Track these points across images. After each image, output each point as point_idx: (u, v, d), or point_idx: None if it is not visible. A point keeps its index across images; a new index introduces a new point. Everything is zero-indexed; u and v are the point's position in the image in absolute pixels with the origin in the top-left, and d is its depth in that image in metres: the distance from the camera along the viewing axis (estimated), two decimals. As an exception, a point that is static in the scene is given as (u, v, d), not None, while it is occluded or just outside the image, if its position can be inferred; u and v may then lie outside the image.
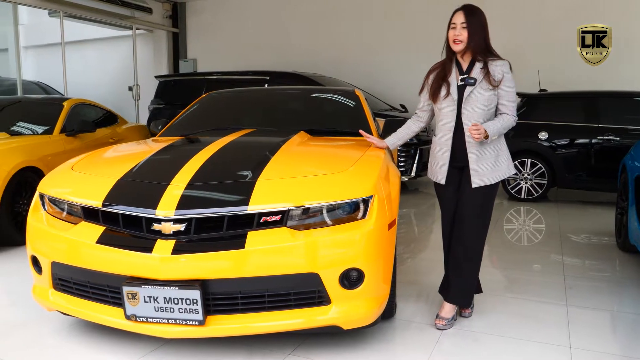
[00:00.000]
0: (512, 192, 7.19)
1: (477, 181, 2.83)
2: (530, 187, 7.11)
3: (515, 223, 6.06)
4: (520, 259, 4.45)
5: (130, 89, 11.54)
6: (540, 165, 7.00)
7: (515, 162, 7.06)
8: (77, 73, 12.49)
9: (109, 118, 7.07)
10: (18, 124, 5.85)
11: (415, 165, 7.33)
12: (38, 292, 2.72)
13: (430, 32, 9.50)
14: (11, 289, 3.67)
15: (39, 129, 5.72)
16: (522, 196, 7.15)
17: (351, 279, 2.41)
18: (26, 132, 5.66)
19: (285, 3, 11.05)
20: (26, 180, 4.88)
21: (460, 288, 2.96)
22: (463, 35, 2.78)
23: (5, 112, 6.21)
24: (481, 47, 2.80)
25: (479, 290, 3.16)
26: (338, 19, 10.59)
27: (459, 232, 2.91)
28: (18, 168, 4.74)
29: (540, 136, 6.96)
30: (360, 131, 3.39)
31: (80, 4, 9.44)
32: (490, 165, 2.84)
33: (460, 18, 2.79)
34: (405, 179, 7.34)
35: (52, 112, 5.97)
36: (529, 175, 7.09)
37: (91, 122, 6.15)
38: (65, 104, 6.14)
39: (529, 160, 7.04)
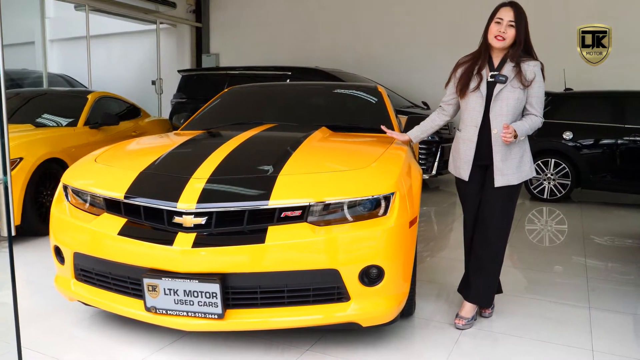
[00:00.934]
0: (535, 192, 7.08)
1: (500, 180, 2.78)
2: (553, 187, 7.00)
3: (538, 223, 5.97)
4: (542, 260, 4.38)
5: (153, 82, 11.64)
6: (564, 165, 6.88)
7: (539, 162, 6.95)
8: (102, 66, 12.66)
9: (132, 111, 7.14)
10: (43, 116, 5.94)
11: (436, 163, 7.26)
12: (60, 282, 2.76)
13: (455, 29, 9.46)
14: (33, 279, 3.73)
15: (64, 121, 5.81)
16: (545, 196, 7.04)
17: (371, 276, 2.40)
18: (51, 124, 5.75)
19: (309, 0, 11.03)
20: (50, 171, 4.96)
21: (481, 288, 2.92)
22: (509, 33, 2.71)
23: (31, 104, 6.32)
24: (521, 48, 2.74)
25: (500, 291, 3.12)
26: (361, 15, 10.53)
27: (481, 232, 2.87)
28: (42, 159, 4.82)
29: (564, 136, 6.84)
30: (382, 127, 3.36)
31: (105, -2, 9.55)
32: (514, 166, 2.79)
33: (509, 15, 2.71)
34: (426, 177, 7.28)
35: (77, 104, 6.06)
36: (552, 175, 6.97)
37: (114, 115, 6.22)
38: (89, 96, 6.22)
39: (553, 160, 6.93)
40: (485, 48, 2.82)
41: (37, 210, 4.76)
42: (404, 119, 4.66)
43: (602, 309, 3.27)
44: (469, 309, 2.93)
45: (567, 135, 6.83)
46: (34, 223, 4.71)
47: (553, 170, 6.95)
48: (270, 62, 10.08)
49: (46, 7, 13.27)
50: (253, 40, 11.62)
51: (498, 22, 2.74)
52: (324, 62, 9.74)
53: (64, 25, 13.41)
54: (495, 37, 2.74)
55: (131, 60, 13.13)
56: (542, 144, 6.84)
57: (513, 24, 2.71)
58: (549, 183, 7.00)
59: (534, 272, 4.09)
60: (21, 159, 4.62)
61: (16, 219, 4.59)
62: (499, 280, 3.04)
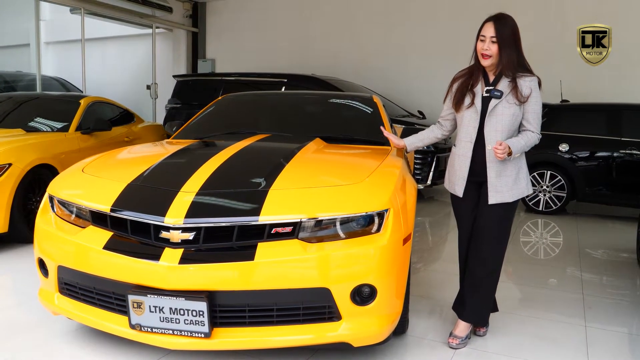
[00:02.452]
0: (530, 204, 7.04)
1: (494, 198, 2.73)
2: (548, 199, 6.96)
3: (533, 236, 5.92)
4: (538, 274, 4.32)
5: (148, 87, 11.57)
6: (559, 177, 6.84)
7: (535, 174, 6.92)
8: (97, 70, 12.59)
9: (125, 116, 7.07)
10: (35, 120, 5.86)
11: (431, 173, 7.22)
12: (44, 296, 2.68)
13: (451, 38, 9.44)
14: (20, 288, 3.65)
15: (55, 126, 5.73)
16: (540, 208, 6.99)
17: (363, 295, 2.33)
18: (42, 129, 5.67)
19: (306, 6, 10.99)
20: (40, 177, 4.87)
21: (476, 306, 2.86)
22: (492, 49, 2.64)
23: (23, 108, 6.23)
24: (512, 62, 2.66)
25: (495, 309, 3.05)
26: (358, 22, 10.51)
27: (476, 249, 2.81)
28: (32, 165, 4.74)
29: (560, 148, 6.80)
30: (381, 128, 3.37)
31: (101, 2, 9.48)
32: (510, 183, 2.73)
33: (489, 30, 2.64)
34: (421, 187, 7.23)
35: (69, 109, 5.98)
36: (547, 187, 6.93)
37: (107, 121, 6.13)
38: (82, 101, 6.14)
39: (549, 172, 6.89)
40: (478, 64, 2.77)
41: (26, 217, 4.67)
42: (399, 128, 4.63)
43: (599, 327, 3.22)
44: (463, 327, 2.87)
45: (563, 147, 6.79)
46: (22, 230, 4.62)
47: (549, 183, 6.91)
48: (267, 68, 10.03)
49: (42, 9, 13.20)
50: (249, 46, 11.58)
51: (482, 40, 2.68)
52: (320, 69, 9.70)
53: (60, 28, 13.33)
54: (481, 54, 2.68)
55: (127, 64, 13.06)
56: (538, 156, 6.80)
57: (495, 39, 2.64)
58: (545, 195, 6.96)
59: (529, 287, 4.03)
60: (10, 164, 4.54)
61: (3, 225, 4.51)
62: (494, 298, 2.98)
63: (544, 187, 6.94)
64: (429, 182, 7.24)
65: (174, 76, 9.38)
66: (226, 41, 11.95)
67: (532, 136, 2.72)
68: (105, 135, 6.08)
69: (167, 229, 2.28)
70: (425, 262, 4.60)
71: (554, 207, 6.94)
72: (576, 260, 4.79)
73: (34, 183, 4.83)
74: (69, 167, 3.10)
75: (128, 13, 10.35)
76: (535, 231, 6.17)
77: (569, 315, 3.41)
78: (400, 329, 2.82)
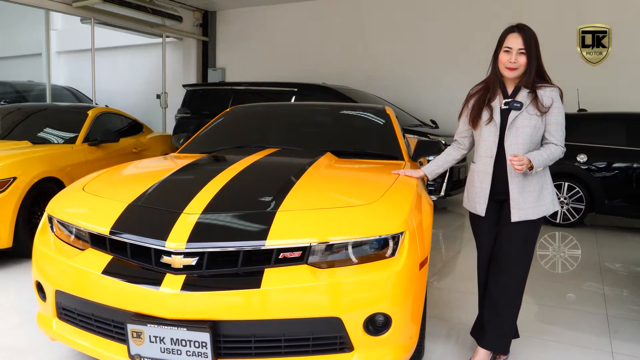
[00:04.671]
0: (547, 216, 6.82)
1: (517, 215, 2.57)
2: (566, 211, 6.75)
3: (550, 249, 5.73)
4: (557, 291, 4.15)
5: (158, 96, 11.52)
6: (577, 189, 6.64)
7: (552, 185, 6.71)
8: (108, 79, 12.59)
9: (134, 127, 6.99)
10: (42, 132, 5.79)
11: (445, 184, 7.04)
12: (42, 321, 2.55)
13: (465, 46, 9.29)
14: (22, 308, 3.54)
15: (62, 137, 5.65)
16: (558, 221, 6.79)
17: (377, 324, 2.18)
18: (49, 141, 5.59)
19: (317, 15, 10.90)
20: (45, 190, 4.79)
21: (497, 332, 2.69)
22: (520, 62, 2.52)
23: (31, 119, 6.17)
24: (535, 75, 2.54)
25: (517, 335, 2.88)
26: (370, 31, 10.39)
27: (497, 272, 2.64)
28: (37, 179, 4.66)
29: (578, 159, 6.60)
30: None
31: (111, 12, 9.45)
32: (533, 199, 2.57)
33: (517, 42, 2.51)
34: (434, 198, 7.06)
35: (77, 120, 5.90)
36: (565, 199, 6.73)
37: (114, 132, 6.05)
38: (89, 112, 6.07)
39: (566, 183, 6.69)
40: (496, 76, 2.62)
41: (31, 231, 4.58)
42: (413, 140, 4.47)
43: (626, 354, 3.03)
44: (482, 355, 2.71)
45: (581, 158, 6.59)
46: (26, 245, 4.51)
47: (566, 194, 6.71)
48: (278, 77, 9.94)
49: (55, 19, 13.27)
50: (260, 55, 11.50)
51: (507, 51, 2.54)
52: (332, 77, 9.58)
53: (72, 38, 13.39)
54: (507, 67, 2.54)
55: (137, 73, 13.04)
56: (555, 167, 6.56)
57: (523, 51, 2.51)
58: (562, 207, 6.75)
59: (550, 307, 3.85)
60: (14, 178, 4.46)
61: (7, 240, 4.42)
62: (516, 323, 2.80)
63: (562, 199, 6.74)
64: (442, 193, 7.06)
65: (184, 85, 9.31)
66: (236, 50, 11.88)
67: (555, 149, 2.56)
68: (112, 146, 5.99)
69: (169, 253, 2.15)
70: (440, 278, 4.44)
71: (572, 220, 6.73)
72: (597, 275, 4.60)
73: (39, 197, 4.74)
74: (74, 181, 3.00)
75: (138, 22, 10.32)
76: (553, 244, 5.97)
77: (594, 341, 3.22)
78: (417, 356, 2.67)
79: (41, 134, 5.73)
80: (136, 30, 10.96)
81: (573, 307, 3.86)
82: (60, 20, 13.78)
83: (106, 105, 9.80)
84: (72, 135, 5.68)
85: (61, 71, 14.23)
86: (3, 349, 2.86)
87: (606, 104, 7.91)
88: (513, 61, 2.52)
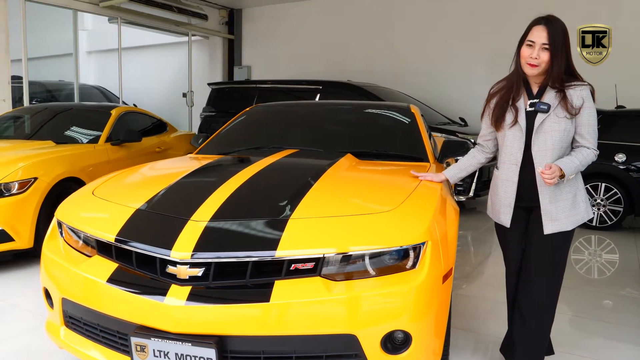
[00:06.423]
0: (582, 218, 6.52)
1: (550, 227, 2.36)
2: (603, 213, 6.44)
3: (586, 254, 5.45)
4: (594, 299, 3.91)
5: (184, 95, 11.54)
6: (615, 190, 6.32)
7: (587, 186, 6.41)
8: (135, 78, 12.67)
9: (158, 126, 6.95)
10: (66, 132, 5.79)
11: (474, 184, 6.80)
12: (50, 329, 2.48)
13: (495, 40, 8.97)
14: (39, 310, 3.49)
15: (86, 137, 5.64)
16: (594, 224, 6.48)
17: (396, 342, 2.02)
18: (73, 141, 5.58)
19: (343, 12, 10.73)
20: (67, 191, 4.73)
21: (528, 349, 2.49)
22: (542, 57, 2.28)
23: (56, 119, 6.19)
24: (561, 72, 2.30)
25: (550, 351, 2.68)
26: (396, 27, 10.17)
27: (527, 286, 2.45)
28: (58, 179, 4.64)
29: (616, 158, 6.28)
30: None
31: (137, 11, 9.48)
32: (567, 208, 2.36)
33: (541, 36, 2.28)
34: (463, 198, 6.83)
35: (100, 120, 5.89)
36: (602, 201, 6.41)
37: (137, 132, 6.01)
38: (113, 112, 6.05)
39: (603, 184, 6.38)
40: (518, 73, 2.40)
41: (51, 232, 4.55)
42: (440, 139, 4.27)
43: (671, 372, 2.80)
44: (512, 373, 2.52)
45: (620, 157, 6.27)
46: (47, 246, 4.50)
47: (603, 196, 6.40)
48: (303, 74, 9.82)
49: (85, 19, 13.43)
50: (285, 53, 11.40)
51: (530, 45, 2.31)
52: (358, 75, 9.40)
53: (102, 38, 13.52)
54: (527, 63, 2.31)
55: (163, 72, 13.11)
56: (591, 167, 6.26)
57: (547, 46, 2.27)
58: (599, 209, 6.44)
59: (586, 317, 3.62)
60: (35, 178, 4.44)
61: (28, 241, 4.41)
62: (549, 339, 2.60)
63: (599, 201, 6.43)
64: (471, 193, 6.83)
65: (209, 84, 9.27)
66: (262, 48, 11.81)
67: (587, 153, 2.34)
68: (135, 146, 5.96)
69: (174, 263, 2.03)
70: (468, 286, 4.23)
71: (609, 223, 6.41)
72: (636, 282, 4.33)
73: (61, 197, 4.67)
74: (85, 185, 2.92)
75: (164, 21, 10.34)
76: (589, 248, 5.69)
77: (634, 355, 2.99)
78: (440, 372, 2.50)
79: (65, 134, 5.73)
80: (162, 29, 10.99)
81: (611, 317, 3.62)
82: (91, 21, 13.94)
83: (134, 105, 9.88)
84: (95, 134, 5.67)
85: (91, 70, 14.42)
86: (16, 352, 2.81)
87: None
88: (535, 57, 2.29)
